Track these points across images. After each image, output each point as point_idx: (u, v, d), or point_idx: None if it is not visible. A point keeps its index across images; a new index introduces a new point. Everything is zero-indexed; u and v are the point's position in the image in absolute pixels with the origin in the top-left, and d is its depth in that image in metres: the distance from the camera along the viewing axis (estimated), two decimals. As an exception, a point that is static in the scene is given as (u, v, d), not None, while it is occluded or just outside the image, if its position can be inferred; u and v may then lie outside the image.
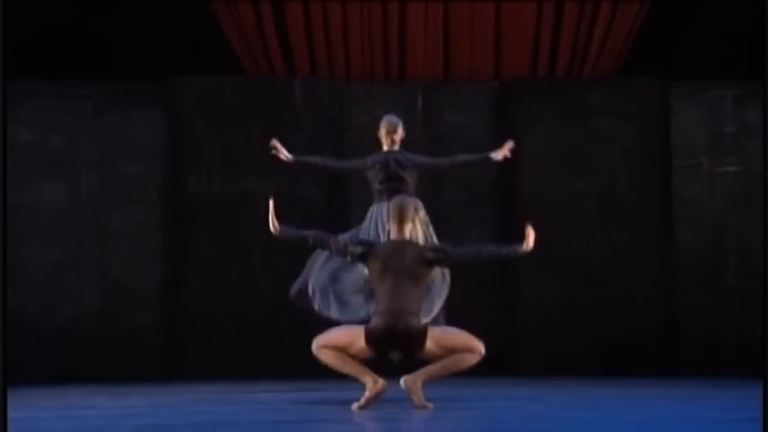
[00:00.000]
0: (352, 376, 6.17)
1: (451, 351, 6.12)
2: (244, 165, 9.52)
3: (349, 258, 6.26)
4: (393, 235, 6.29)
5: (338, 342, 6.12)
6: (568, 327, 9.50)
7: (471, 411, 6.30)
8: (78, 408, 6.71)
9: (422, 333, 6.08)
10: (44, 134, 9.43)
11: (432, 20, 9.92)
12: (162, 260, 9.47)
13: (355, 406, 6.18)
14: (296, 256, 9.02)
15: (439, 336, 6.14)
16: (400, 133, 7.61)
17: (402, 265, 6.10)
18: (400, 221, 6.24)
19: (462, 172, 9.67)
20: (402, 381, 6.18)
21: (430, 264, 6.18)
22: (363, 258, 6.19)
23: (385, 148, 7.63)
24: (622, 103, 9.64)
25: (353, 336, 6.12)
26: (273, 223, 6.39)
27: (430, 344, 6.09)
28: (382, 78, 9.95)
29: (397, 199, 6.41)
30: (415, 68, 9.95)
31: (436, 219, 9.64)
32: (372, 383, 6.12)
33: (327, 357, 6.13)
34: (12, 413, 5.76)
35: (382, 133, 7.65)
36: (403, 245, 6.19)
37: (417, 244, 6.27)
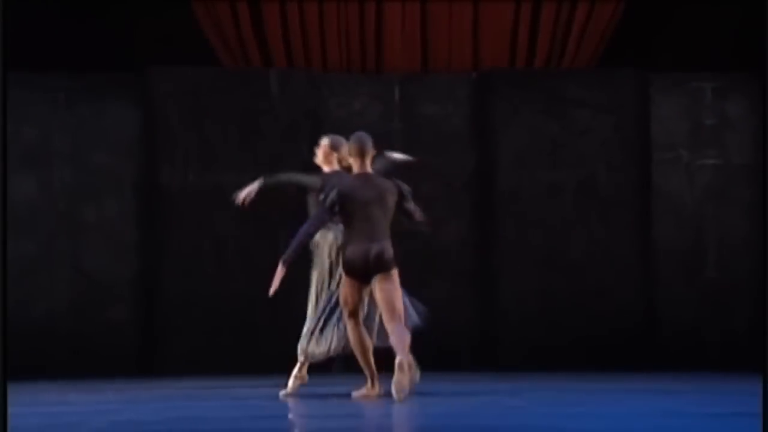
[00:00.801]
0: (361, 365, 6.70)
1: (393, 306, 6.52)
2: (220, 158, 9.49)
3: (336, 208, 6.52)
4: (356, 170, 6.64)
5: (345, 301, 6.61)
6: (547, 321, 9.52)
7: (450, 407, 6.30)
8: (51, 404, 6.69)
9: (392, 258, 6.53)
10: (16, 126, 9.36)
11: (410, 11, 9.91)
12: (136, 254, 9.44)
13: (354, 394, 6.74)
14: (272, 250, 9.01)
15: (396, 284, 6.56)
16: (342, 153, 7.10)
17: (371, 194, 6.52)
18: (362, 155, 6.61)
19: (440, 164, 9.68)
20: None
21: (397, 194, 6.62)
22: (341, 200, 6.49)
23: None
24: (602, 94, 9.65)
25: (347, 285, 6.60)
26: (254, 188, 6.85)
27: (393, 275, 6.52)
28: (360, 69, 9.93)
29: (356, 135, 6.68)
30: (393, 59, 9.93)
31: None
32: (371, 386, 6.70)
33: (352, 338, 6.66)
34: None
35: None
36: (369, 177, 6.61)
37: (379, 176, 6.67)
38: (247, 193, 7.23)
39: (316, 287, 7.17)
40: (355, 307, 6.60)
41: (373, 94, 9.73)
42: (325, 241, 7.11)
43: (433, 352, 9.53)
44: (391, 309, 6.52)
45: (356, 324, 6.65)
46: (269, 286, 8.47)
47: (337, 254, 6.97)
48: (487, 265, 9.65)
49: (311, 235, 6.65)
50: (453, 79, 9.81)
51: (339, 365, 8.37)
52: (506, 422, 5.38)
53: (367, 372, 6.73)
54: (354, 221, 6.52)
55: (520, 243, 9.59)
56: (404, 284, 9.50)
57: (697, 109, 9.74)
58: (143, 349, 9.38)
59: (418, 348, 9.64)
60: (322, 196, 6.65)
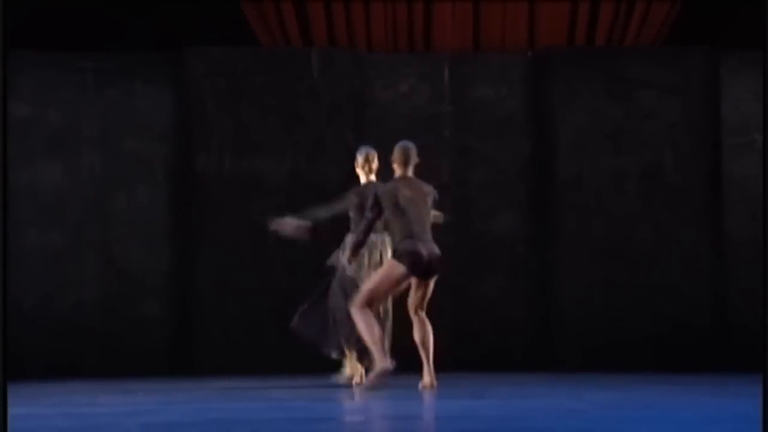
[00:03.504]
0: (371, 349, 7.34)
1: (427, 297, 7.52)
2: (258, 143, 9.50)
3: (369, 214, 7.43)
4: (399, 175, 7.52)
5: (379, 293, 7.39)
6: (609, 318, 9.46)
7: (505, 410, 6.26)
8: (81, 405, 6.71)
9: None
10: (43, 109, 9.42)
11: (460, -15, 9.86)
12: (170, 245, 9.46)
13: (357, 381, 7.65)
14: (314, 241, 8.98)
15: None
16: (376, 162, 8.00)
17: (416, 196, 7.43)
18: (406, 162, 7.52)
19: (493, 150, 9.65)
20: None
21: (433, 198, 7.55)
22: (376, 203, 7.40)
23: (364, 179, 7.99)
24: (668, 74, 9.57)
25: (385, 274, 7.37)
26: (302, 226, 7.79)
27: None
28: (407, 48, 9.89)
29: (402, 143, 7.58)
30: (442, 37, 9.89)
31: (465, 201, 9.64)
32: (381, 364, 7.30)
33: (359, 322, 7.37)
34: (10, 410, 5.75)
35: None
36: (411, 180, 7.52)
37: (419, 180, 7.52)
38: (290, 229, 7.92)
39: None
40: (378, 303, 7.51)
41: (421, 74, 9.69)
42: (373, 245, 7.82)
43: (486, 351, 9.51)
44: (426, 304, 7.49)
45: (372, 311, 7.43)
46: (311, 279, 8.56)
47: (380, 258, 7.79)
48: (544, 258, 9.60)
49: (364, 234, 7.49)
50: (507, 59, 9.76)
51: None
52: (566, 426, 5.34)
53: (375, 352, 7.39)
54: (401, 220, 7.37)
55: (579, 235, 9.53)
56: (455, 279, 9.52)
57: (771, 89, 9.61)
58: (177, 346, 9.41)
59: (471, 346, 9.63)
60: (368, 203, 7.50)
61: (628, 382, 8.05)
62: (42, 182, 9.39)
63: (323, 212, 7.99)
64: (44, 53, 9.37)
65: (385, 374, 7.28)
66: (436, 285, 7.54)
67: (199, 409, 6.32)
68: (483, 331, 9.52)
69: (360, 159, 7.96)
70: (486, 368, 9.19)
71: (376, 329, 7.32)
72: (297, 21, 9.81)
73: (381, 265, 7.62)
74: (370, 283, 7.43)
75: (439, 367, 7.64)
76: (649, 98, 9.59)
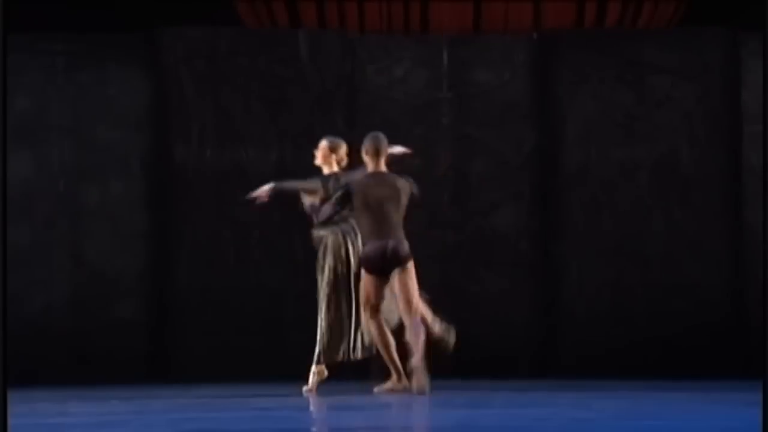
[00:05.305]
0: (385, 361, 7.78)
1: (410, 299, 7.61)
2: (241, 131, 9.50)
3: (336, 207, 7.73)
4: (370, 169, 7.72)
5: (367, 298, 7.72)
6: (618, 319, 9.48)
7: (506, 420, 6.27)
8: (49, 415, 6.72)
9: (408, 253, 7.61)
10: (8, 95, 9.38)
11: (460, -38, 9.88)
12: (146, 243, 9.47)
13: (376, 389, 7.80)
14: (299, 238, 8.98)
15: (413, 278, 7.64)
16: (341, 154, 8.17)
17: (384, 192, 7.64)
18: (377, 154, 7.71)
19: (495, 139, 9.65)
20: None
21: (410, 193, 7.72)
22: (347, 198, 7.67)
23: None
24: (684, 58, 9.58)
25: (368, 282, 7.69)
26: (265, 190, 7.98)
27: (410, 269, 7.63)
28: (402, 30, 9.89)
29: (372, 134, 7.78)
30: (441, 18, 9.89)
31: (464, 194, 9.65)
32: (397, 379, 7.77)
33: (373, 332, 7.76)
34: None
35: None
36: (382, 175, 7.72)
37: (393, 174, 7.73)
38: (257, 194, 8.08)
39: (327, 287, 7.98)
40: (377, 303, 7.71)
41: (418, 58, 9.70)
42: (335, 239, 7.97)
43: (487, 355, 9.51)
44: (408, 302, 7.60)
45: (378, 320, 7.74)
46: (297, 278, 8.55)
47: (346, 254, 7.94)
48: (549, 255, 9.61)
49: (313, 213, 7.88)
50: (510, 41, 9.76)
51: (375, 372, 8.42)
52: (572, 438, 5.35)
53: (391, 367, 7.81)
54: (368, 219, 7.63)
55: (587, 230, 9.54)
56: (454, 278, 9.52)
57: (795, 74, 9.62)
58: (154, 351, 9.42)
59: (470, 350, 9.63)
60: (334, 193, 7.78)
61: (639, 389, 8.07)
62: (8, 174, 9.34)
63: (289, 185, 8.17)
64: (10, 35, 9.33)
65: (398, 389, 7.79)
66: (430, 285, 7.64)
67: (176, 419, 6.33)
68: (483, 335, 9.51)
69: (324, 149, 8.10)
70: (486, 374, 9.19)
71: (388, 338, 7.74)
72: (284, -1, 9.82)
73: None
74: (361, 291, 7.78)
75: (436, 372, 7.65)
76: (663, 84, 9.60)
